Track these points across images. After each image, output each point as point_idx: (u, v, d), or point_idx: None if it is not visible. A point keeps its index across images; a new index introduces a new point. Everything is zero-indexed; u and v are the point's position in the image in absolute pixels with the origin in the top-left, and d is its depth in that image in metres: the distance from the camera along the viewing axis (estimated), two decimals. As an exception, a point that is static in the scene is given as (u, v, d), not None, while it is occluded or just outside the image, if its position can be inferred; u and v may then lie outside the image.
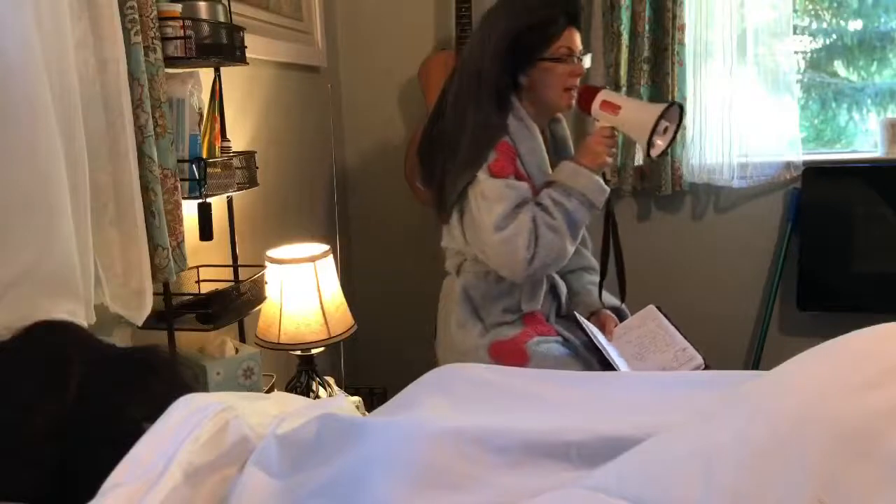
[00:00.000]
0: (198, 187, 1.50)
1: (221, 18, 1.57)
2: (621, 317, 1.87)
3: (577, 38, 1.70)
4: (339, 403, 1.13)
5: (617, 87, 2.50)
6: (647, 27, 2.47)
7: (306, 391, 1.90)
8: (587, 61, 1.73)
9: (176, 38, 1.43)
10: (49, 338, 0.97)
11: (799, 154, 2.51)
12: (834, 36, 2.63)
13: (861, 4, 2.58)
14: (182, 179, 1.46)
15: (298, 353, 1.90)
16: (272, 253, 1.86)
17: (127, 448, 0.77)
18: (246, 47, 1.66)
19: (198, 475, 0.79)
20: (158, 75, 1.34)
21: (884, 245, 2.49)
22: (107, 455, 0.77)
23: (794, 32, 2.52)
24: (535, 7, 1.66)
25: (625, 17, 2.47)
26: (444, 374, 1.12)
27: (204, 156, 1.54)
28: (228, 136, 1.75)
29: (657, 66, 2.52)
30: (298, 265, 1.81)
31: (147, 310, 1.33)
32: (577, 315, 1.78)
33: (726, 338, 2.69)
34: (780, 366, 0.79)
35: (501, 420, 0.90)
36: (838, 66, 2.64)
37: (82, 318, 1.16)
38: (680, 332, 1.74)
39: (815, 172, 2.51)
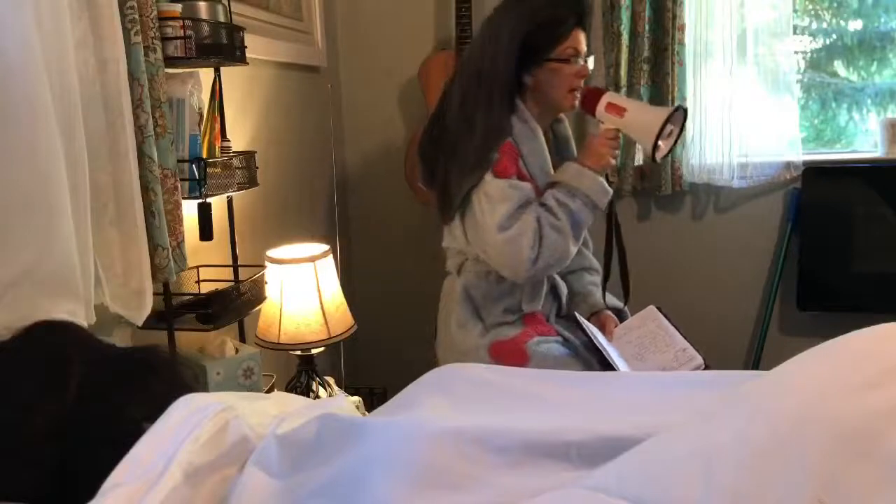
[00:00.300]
0: (198, 187, 1.50)
1: (221, 18, 1.57)
2: (622, 317, 1.87)
3: (584, 40, 1.70)
4: (339, 403, 1.13)
5: (617, 88, 2.50)
6: (647, 27, 2.47)
7: (306, 391, 1.90)
8: (591, 63, 1.73)
9: (176, 38, 1.43)
10: (49, 338, 0.97)
11: (799, 154, 2.51)
12: (834, 36, 2.63)
13: (861, 4, 2.58)
14: (182, 179, 1.46)
15: (298, 353, 1.90)
16: (272, 253, 1.86)
17: (127, 448, 0.77)
18: (246, 47, 1.66)
19: (198, 475, 0.79)
20: (158, 75, 1.34)
21: (884, 245, 2.49)
22: (107, 455, 0.77)
23: (794, 32, 2.52)
24: (543, 7, 1.66)
25: (625, 17, 2.47)
26: (444, 374, 1.12)
27: (204, 156, 1.54)
28: (228, 136, 1.75)
29: (657, 66, 2.53)
30: (298, 265, 1.81)
31: (147, 310, 1.33)
32: (577, 315, 1.78)
33: (726, 338, 2.69)
34: (780, 366, 0.79)
35: (501, 420, 0.90)
36: (838, 66, 2.64)
37: (82, 318, 1.16)
38: (680, 332, 1.74)
39: (815, 172, 2.51)
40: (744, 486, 0.64)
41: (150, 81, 1.32)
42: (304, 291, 1.80)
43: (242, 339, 1.85)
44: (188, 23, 1.45)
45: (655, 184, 2.58)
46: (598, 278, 1.90)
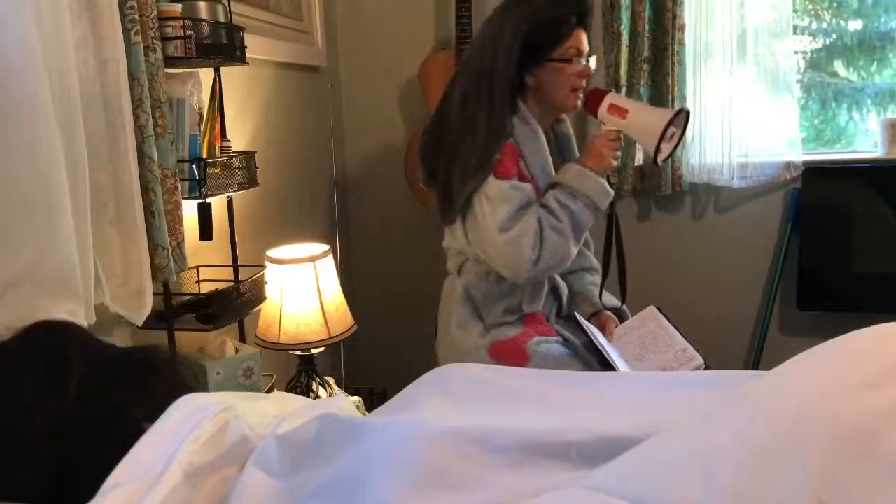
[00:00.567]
0: (198, 187, 1.50)
1: (221, 18, 1.57)
2: (622, 318, 1.87)
3: (585, 39, 1.69)
4: (339, 403, 1.14)
5: (617, 88, 2.50)
6: (647, 27, 2.47)
7: (306, 391, 1.90)
8: (593, 63, 1.73)
9: (176, 38, 1.43)
10: (49, 338, 0.97)
11: (799, 154, 2.51)
12: (834, 36, 2.63)
13: (861, 4, 2.58)
14: (182, 179, 1.46)
15: (298, 353, 1.90)
16: (272, 253, 1.86)
17: (127, 448, 0.77)
18: (246, 47, 1.66)
19: (198, 475, 0.79)
20: (158, 75, 1.34)
21: (884, 245, 2.49)
22: (107, 455, 0.77)
23: (794, 32, 2.52)
24: (545, 7, 1.65)
25: (625, 17, 2.47)
26: (444, 374, 1.12)
27: (204, 156, 1.54)
28: (228, 136, 1.75)
29: (657, 66, 2.53)
30: (298, 265, 1.81)
31: (147, 310, 1.33)
32: (577, 316, 1.78)
33: (726, 338, 2.69)
34: (780, 366, 0.79)
35: (501, 420, 0.90)
36: (838, 66, 2.64)
37: (82, 318, 1.16)
38: (680, 332, 1.74)
39: (815, 172, 2.51)
40: (744, 486, 0.64)
41: (150, 81, 1.32)
42: (304, 291, 1.80)
43: (242, 339, 1.85)
44: (188, 23, 1.45)
45: (655, 184, 2.58)
46: (598, 278, 1.89)
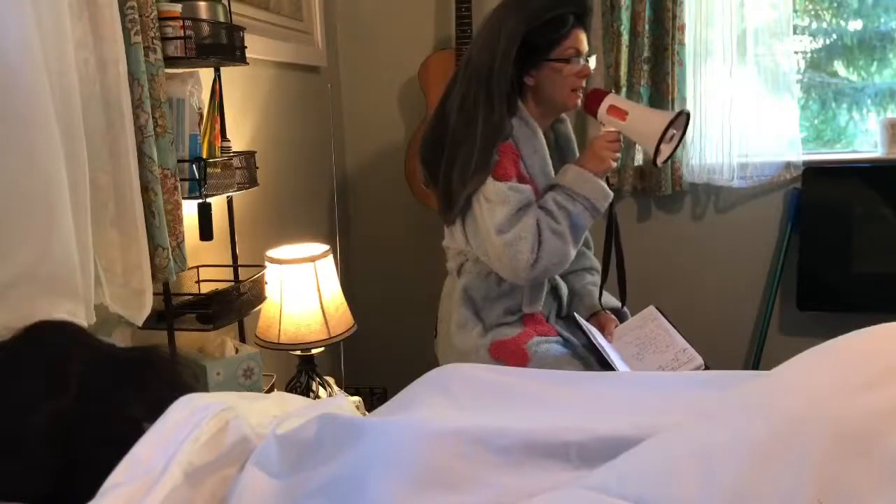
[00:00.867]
0: (198, 187, 1.50)
1: (221, 18, 1.57)
2: (622, 318, 1.87)
3: (584, 39, 1.69)
4: (339, 403, 1.13)
5: (617, 88, 2.50)
6: (647, 27, 2.48)
7: (306, 391, 1.91)
8: (592, 63, 1.73)
9: (176, 38, 1.43)
10: (49, 338, 0.97)
11: (799, 154, 2.52)
12: (834, 36, 2.63)
13: (861, 4, 2.58)
14: (182, 179, 1.46)
15: (298, 353, 1.90)
16: (272, 253, 1.86)
17: (127, 448, 0.77)
18: (246, 47, 1.66)
19: (198, 475, 0.79)
20: (158, 75, 1.34)
21: (884, 245, 2.49)
22: (107, 455, 0.77)
23: (794, 32, 2.53)
24: (544, 6, 1.65)
25: (625, 17, 2.47)
26: (444, 374, 1.12)
27: (204, 156, 1.54)
28: (228, 136, 1.75)
29: (657, 66, 2.53)
30: (298, 265, 1.81)
31: (147, 310, 1.33)
32: (577, 316, 1.78)
33: (726, 338, 2.69)
34: (780, 366, 0.79)
35: (501, 420, 0.90)
36: (838, 66, 2.64)
37: (82, 318, 1.16)
38: (680, 332, 1.74)
39: (815, 172, 2.51)
40: (744, 485, 0.64)
41: (150, 81, 1.32)
42: (304, 291, 1.81)
43: (242, 339, 1.85)
44: (188, 23, 1.45)
45: (655, 184, 2.58)
46: (598, 278, 1.89)
